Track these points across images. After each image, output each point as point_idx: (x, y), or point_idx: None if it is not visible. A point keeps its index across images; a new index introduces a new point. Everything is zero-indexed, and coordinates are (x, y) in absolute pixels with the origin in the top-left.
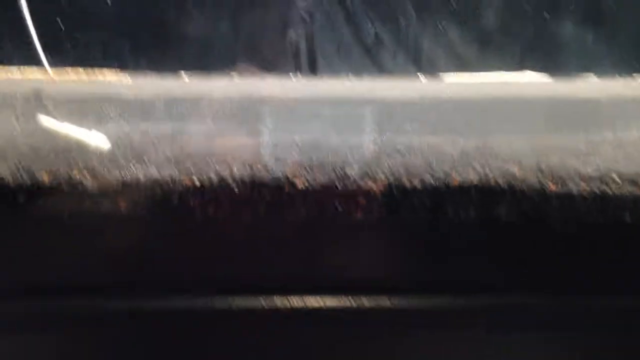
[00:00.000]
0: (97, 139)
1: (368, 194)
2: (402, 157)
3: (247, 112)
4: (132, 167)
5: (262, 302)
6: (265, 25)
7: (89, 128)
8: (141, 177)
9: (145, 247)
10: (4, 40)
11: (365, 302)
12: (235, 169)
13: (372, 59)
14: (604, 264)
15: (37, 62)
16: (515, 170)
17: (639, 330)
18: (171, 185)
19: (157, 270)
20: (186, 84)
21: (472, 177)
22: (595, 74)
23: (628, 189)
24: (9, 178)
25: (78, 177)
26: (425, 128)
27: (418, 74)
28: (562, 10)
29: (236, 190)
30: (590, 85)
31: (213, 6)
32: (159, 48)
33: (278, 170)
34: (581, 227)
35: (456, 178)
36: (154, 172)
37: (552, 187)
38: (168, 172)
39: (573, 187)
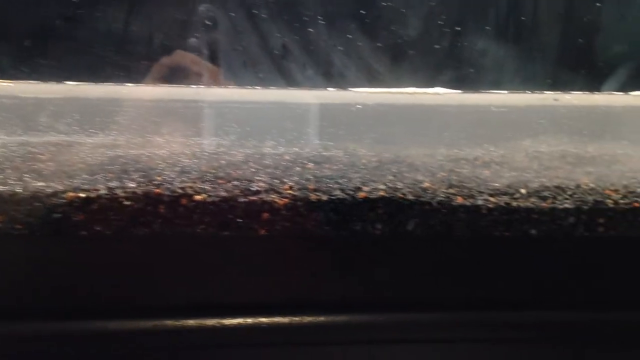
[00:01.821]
0: None
1: (272, 208)
2: (309, 170)
3: (143, 120)
4: (9, 180)
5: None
6: (164, 32)
7: None
8: (20, 190)
9: (25, 268)
10: None
11: (266, 320)
12: (128, 182)
13: (279, 71)
14: (511, 277)
15: None
16: (425, 183)
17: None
18: (54, 199)
19: (40, 293)
20: (73, 91)
21: (381, 190)
22: (507, 89)
23: (533, 201)
24: None
25: None
26: (337, 139)
27: (328, 87)
28: (474, 26)
29: (128, 204)
30: (501, 100)
31: (105, 10)
32: (43, 55)
33: (176, 184)
34: (487, 240)
35: (363, 192)
36: (35, 185)
37: (460, 200)
38: (51, 185)
39: (480, 200)
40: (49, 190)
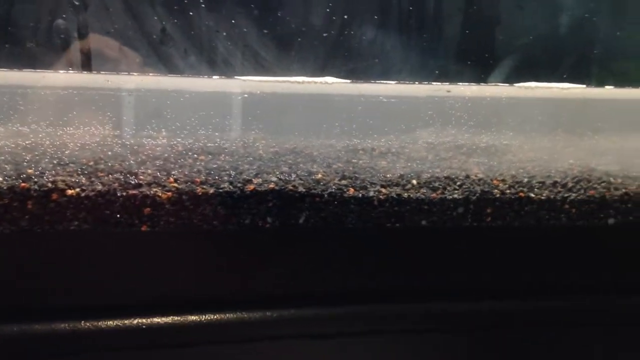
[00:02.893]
0: None
1: (154, 202)
2: (198, 162)
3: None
4: None
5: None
6: (27, 12)
7: None
8: None
9: None
10: None
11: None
12: None
13: (158, 56)
14: (402, 268)
15: None
16: (318, 175)
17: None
18: None
19: None
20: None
21: (273, 182)
22: (397, 80)
23: (423, 192)
24: None
25: None
26: (229, 128)
27: (212, 75)
28: (364, 15)
29: None
30: (391, 90)
31: None
32: None
33: (44, 178)
34: (380, 231)
35: (253, 184)
36: None
37: (351, 191)
38: None
39: (372, 192)
40: None
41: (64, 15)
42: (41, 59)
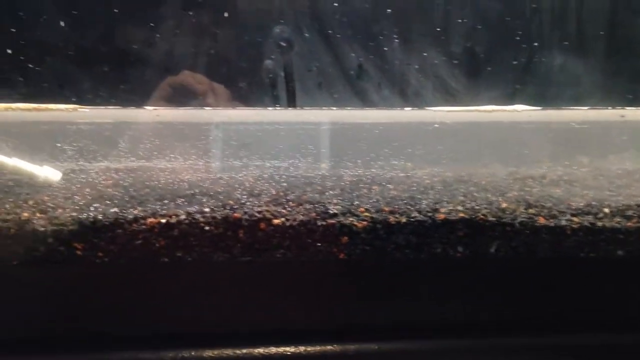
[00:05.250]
0: (51, 175)
1: (351, 231)
2: (386, 191)
3: (220, 144)
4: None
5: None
6: (239, 54)
7: (41, 163)
8: (100, 216)
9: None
10: None
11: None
12: (205, 207)
13: (355, 91)
14: (600, 300)
15: None
16: (503, 203)
17: None
18: (135, 225)
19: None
20: (151, 115)
21: (461, 211)
22: (588, 105)
23: (617, 220)
24: None
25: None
26: (412, 159)
27: (404, 107)
28: (551, 42)
29: (207, 229)
30: (582, 116)
31: (180, 34)
32: (122, 79)
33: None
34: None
35: (442, 213)
36: (114, 212)
37: (542, 220)
38: (131, 211)
39: (564, 221)
40: (129, 217)
41: (272, 57)
42: (252, 97)
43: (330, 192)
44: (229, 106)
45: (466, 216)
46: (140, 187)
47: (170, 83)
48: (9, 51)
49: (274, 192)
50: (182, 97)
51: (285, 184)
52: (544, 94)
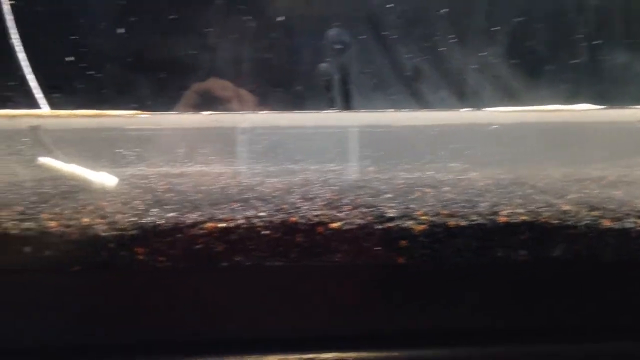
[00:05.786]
0: (109, 181)
1: (410, 235)
2: (441, 194)
3: (277, 148)
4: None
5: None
6: (294, 58)
7: (101, 169)
8: (162, 222)
9: (168, 301)
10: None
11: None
12: (263, 212)
13: (411, 92)
14: None
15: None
16: (565, 206)
17: None
18: (194, 230)
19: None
20: (210, 121)
21: (522, 214)
22: None
23: None
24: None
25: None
26: (469, 161)
27: (462, 108)
28: (615, 38)
29: (265, 234)
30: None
31: (237, 40)
32: (180, 85)
33: (309, 212)
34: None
35: (503, 216)
36: (175, 217)
37: (607, 223)
38: (191, 216)
39: (629, 224)
40: (189, 222)
41: (327, 59)
42: (307, 100)
43: (385, 195)
44: (255, 111)
45: (528, 219)
46: (197, 191)
47: (197, 89)
48: (71, 58)
49: (328, 195)
50: (208, 103)
51: (339, 188)
52: (608, 93)
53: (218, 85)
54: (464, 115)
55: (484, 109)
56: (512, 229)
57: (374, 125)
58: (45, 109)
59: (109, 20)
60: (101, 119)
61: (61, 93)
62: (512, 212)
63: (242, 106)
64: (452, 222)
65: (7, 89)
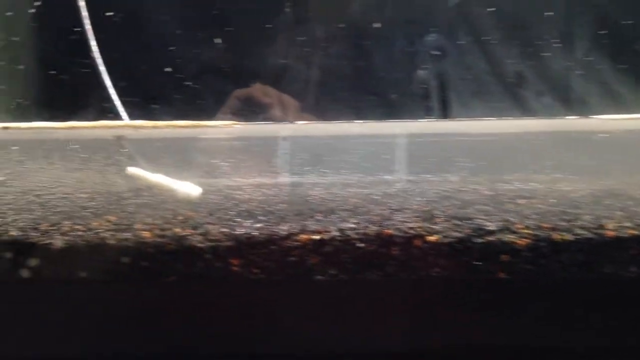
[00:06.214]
0: (194, 191)
1: (512, 249)
2: (540, 206)
3: (371, 157)
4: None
5: None
6: (389, 65)
7: (194, 179)
8: (255, 233)
9: (260, 310)
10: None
11: None
12: (356, 223)
13: (513, 99)
14: None
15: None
16: None
17: None
18: (288, 241)
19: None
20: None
21: (630, 227)
22: None
23: None
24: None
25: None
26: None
27: (567, 115)
28: None
29: (360, 246)
30: None
31: (330, 48)
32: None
33: (405, 224)
34: None
35: (609, 229)
36: (268, 227)
37: None
38: (284, 227)
39: None
40: (283, 233)
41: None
42: (404, 108)
43: (481, 206)
44: (298, 119)
45: (638, 232)
46: (291, 201)
47: (238, 96)
48: (169, 69)
49: (423, 207)
50: (250, 110)
51: (434, 199)
52: None
53: (260, 92)
54: (570, 123)
55: (591, 117)
56: (621, 243)
57: (472, 134)
58: (141, 120)
59: (206, 31)
60: (199, 129)
61: (159, 104)
62: (618, 226)
63: (286, 114)
64: (556, 235)
65: (104, 100)
